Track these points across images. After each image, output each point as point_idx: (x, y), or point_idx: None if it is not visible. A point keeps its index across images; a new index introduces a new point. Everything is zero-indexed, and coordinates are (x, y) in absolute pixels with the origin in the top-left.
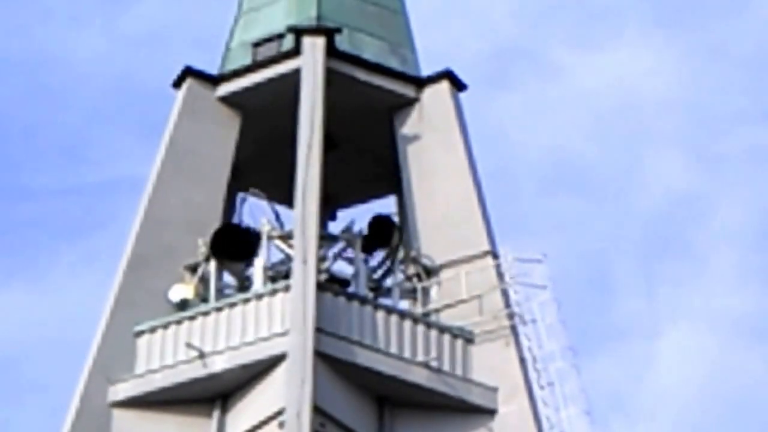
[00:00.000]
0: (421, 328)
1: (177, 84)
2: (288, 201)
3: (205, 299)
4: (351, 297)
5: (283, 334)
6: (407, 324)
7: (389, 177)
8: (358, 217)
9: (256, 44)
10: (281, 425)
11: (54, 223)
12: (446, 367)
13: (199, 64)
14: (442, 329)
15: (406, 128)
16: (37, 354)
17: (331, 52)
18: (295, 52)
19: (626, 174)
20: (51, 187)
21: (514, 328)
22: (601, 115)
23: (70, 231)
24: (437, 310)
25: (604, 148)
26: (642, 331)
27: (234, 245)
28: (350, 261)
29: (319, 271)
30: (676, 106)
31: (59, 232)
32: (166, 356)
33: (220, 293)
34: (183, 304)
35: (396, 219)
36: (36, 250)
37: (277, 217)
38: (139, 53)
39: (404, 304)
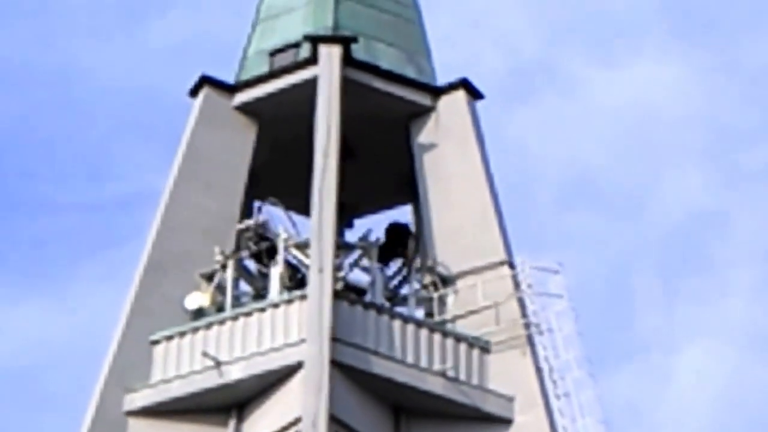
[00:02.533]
0: (437, 337)
1: (194, 92)
2: (304, 209)
3: (221, 308)
4: (367, 306)
5: (299, 343)
6: (424, 333)
7: (405, 186)
8: (374, 225)
9: (273, 53)
10: None
11: (76, 237)
12: (462, 376)
13: (221, 76)
14: (459, 338)
15: (423, 137)
16: (58, 366)
17: (348, 60)
18: (312, 60)
19: (645, 189)
20: (73, 201)
21: (530, 338)
22: (621, 130)
23: (92, 245)
24: (454, 319)
25: (623, 163)
26: (661, 346)
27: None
28: (366, 270)
29: (335, 280)
30: (695, 122)
31: (81, 246)
32: (182, 365)
33: (237, 301)
34: (199, 313)
35: (412, 228)
36: (58, 264)
37: (294, 225)
38: (162, 66)
39: (420, 313)
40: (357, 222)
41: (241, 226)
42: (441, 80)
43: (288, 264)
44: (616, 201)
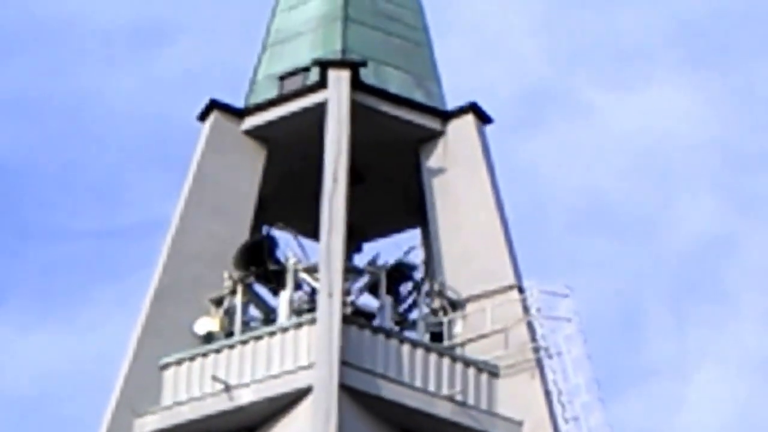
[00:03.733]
0: (446, 362)
1: (202, 117)
2: (313, 234)
3: (230, 332)
4: (376, 330)
5: (308, 367)
6: (432, 357)
7: (415, 210)
8: (383, 250)
9: (282, 77)
10: None
11: (89, 264)
12: (471, 400)
13: (232, 103)
14: (468, 363)
15: (432, 161)
16: (71, 393)
17: (357, 85)
18: (321, 85)
19: (657, 214)
20: (87, 229)
21: (539, 362)
22: (632, 155)
23: (106, 272)
24: (462, 344)
25: (634, 188)
26: (672, 372)
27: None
28: (375, 294)
29: (344, 304)
30: (707, 147)
31: (94, 274)
32: (192, 389)
33: (246, 326)
34: (209, 337)
35: (420, 255)
36: (71, 291)
37: (303, 250)
38: (174, 94)
39: (429, 338)
40: (366, 246)
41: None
42: (452, 105)
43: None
44: (627, 226)
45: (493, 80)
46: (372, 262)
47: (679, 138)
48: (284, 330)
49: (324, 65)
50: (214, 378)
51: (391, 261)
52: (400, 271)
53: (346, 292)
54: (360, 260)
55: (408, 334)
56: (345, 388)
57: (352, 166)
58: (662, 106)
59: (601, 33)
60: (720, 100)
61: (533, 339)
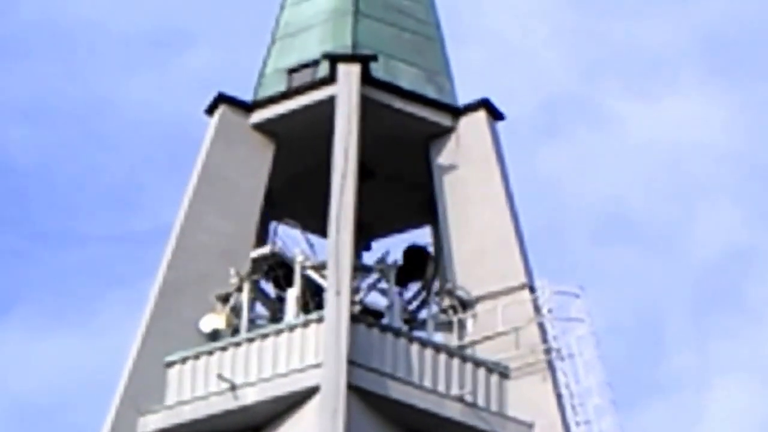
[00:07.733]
0: (456, 362)
1: (210, 111)
2: (322, 230)
3: (236, 330)
4: (385, 329)
5: (315, 367)
6: (442, 357)
7: (425, 207)
8: (393, 247)
9: (291, 71)
10: None
11: (104, 269)
12: (481, 401)
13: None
14: (478, 363)
15: (443, 158)
16: (84, 399)
17: (367, 79)
18: (330, 79)
19: (679, 225)
20: (101, 234)
21: (551, 363)
22: (655, 165)
23: (119, 277)
24: (473, 344)
25: (657, 199)
26: (692, 382)
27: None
28: (384, 292)
29: (352, 303)
30: (730, 158)
31: (109, 279)
32: (197, 387)
33: (252, 324)
34: (214, 335)
35: (431, 250)
36: (85, 296)
37: (311, 246)
38: (189, 99)
39: (439, 337)
40: (375, 244)
41: (255, 254)
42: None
43: (306, 284)
44: (649, 236)
45: (514, 88)
46: (381, 260)
47: (701, 148)
48: (291, 328)
49: (334, 59)
50: (220, 377)
51: (403, 248)
52: (411, 257)
53: (355, 291)
54: (369, 258)
55: (417, 333)
56: (353, 388)
57: (361, 162)
58: (685, 116)
59: (624, 42)
60: (743, 111)
61: (545, 340)
